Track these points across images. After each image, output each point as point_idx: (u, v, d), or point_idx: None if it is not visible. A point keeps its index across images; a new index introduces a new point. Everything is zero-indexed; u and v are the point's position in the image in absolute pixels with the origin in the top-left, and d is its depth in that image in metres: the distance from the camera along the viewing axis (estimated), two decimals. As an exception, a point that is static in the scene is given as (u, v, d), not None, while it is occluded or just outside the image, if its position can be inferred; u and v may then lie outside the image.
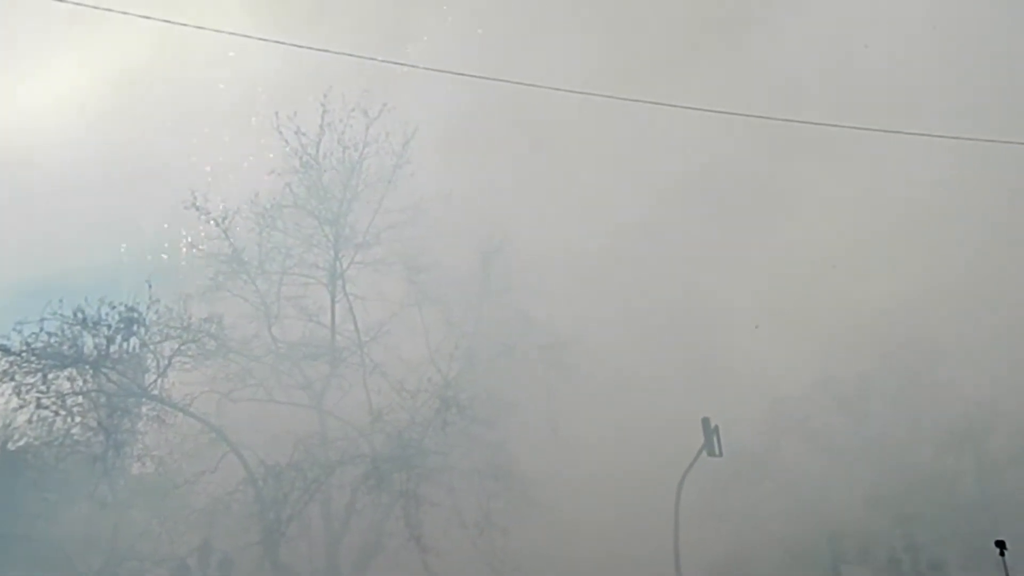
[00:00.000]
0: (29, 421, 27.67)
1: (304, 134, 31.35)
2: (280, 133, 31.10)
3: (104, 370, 28.42)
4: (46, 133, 33.30)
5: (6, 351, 27.24)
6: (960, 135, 24.32)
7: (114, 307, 28.68)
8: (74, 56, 34.94)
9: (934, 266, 34.68)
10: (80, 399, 28.25)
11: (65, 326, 28.02)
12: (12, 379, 27.10)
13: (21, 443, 28.25)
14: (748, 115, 22.42)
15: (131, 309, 28.91)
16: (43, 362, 27.57)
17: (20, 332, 27.38)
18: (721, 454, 26.51)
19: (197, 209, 29.82)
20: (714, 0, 40.34)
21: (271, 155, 31.23)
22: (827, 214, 38.20)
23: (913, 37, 39.43)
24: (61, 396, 27.78)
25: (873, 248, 37.23)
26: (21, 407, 27.29)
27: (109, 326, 28.64)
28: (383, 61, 19.95)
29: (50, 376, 27.62)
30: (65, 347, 28.01)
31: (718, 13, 39.96)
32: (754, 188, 38.67)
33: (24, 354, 27.38)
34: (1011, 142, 23.27)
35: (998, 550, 12.72)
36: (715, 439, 26.25)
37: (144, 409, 29.13)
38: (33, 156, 32.74)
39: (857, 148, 33.93)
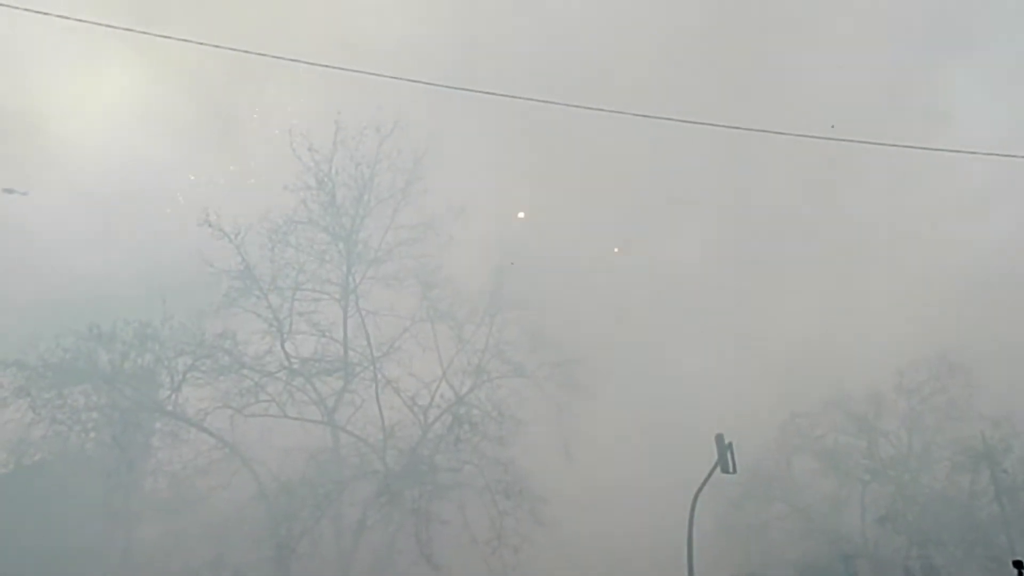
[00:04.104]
0: (44, 436, 27.87)
1: (317, 151, 31.62)
2: (293, 150, 31.34)
3: (118, 385, 28.65)
4: (60, 148, 33.62)
5: (22, 366, 27.49)
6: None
7: (129, 323, 28.93)
8: (88, 73, 35.34)
9: (948, 283, 34.53)
10: (94, 414, 28.49)
11: (80, 342, 28.33)
12: (28, 394, 27.35)
13: (36, 458, 28.41)
14: (753, 129, 22.33)
15: (145, 325, 29.13)
16: (58, 377, 27.85)
17: (36, 348, 27.67)
18: (735, 471, 26.08)
19: (210, 226, 30.02)
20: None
21: (284, 172, 31.40)
22: (839, 230, 38.22)
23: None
24: (76, 411, 28.04)
25: (887, 265, 37.16)
26: (36, 422, 27.51)
27: (124, 342, 28.89)
28: (395, 78, 20.03)
29: (65, 391, 27.89)
30: (80, 362, 28.28)
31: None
32: (769, 203, 38.71)
33: (40, 369, 27.64)
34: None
35: (1016, 571, 12.55)
36: (729, 456, 25.89)
37: (158, 424, 29.31)
38: (48, 173, 33.07)
39: (872, 163, 34.04)
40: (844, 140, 22.92)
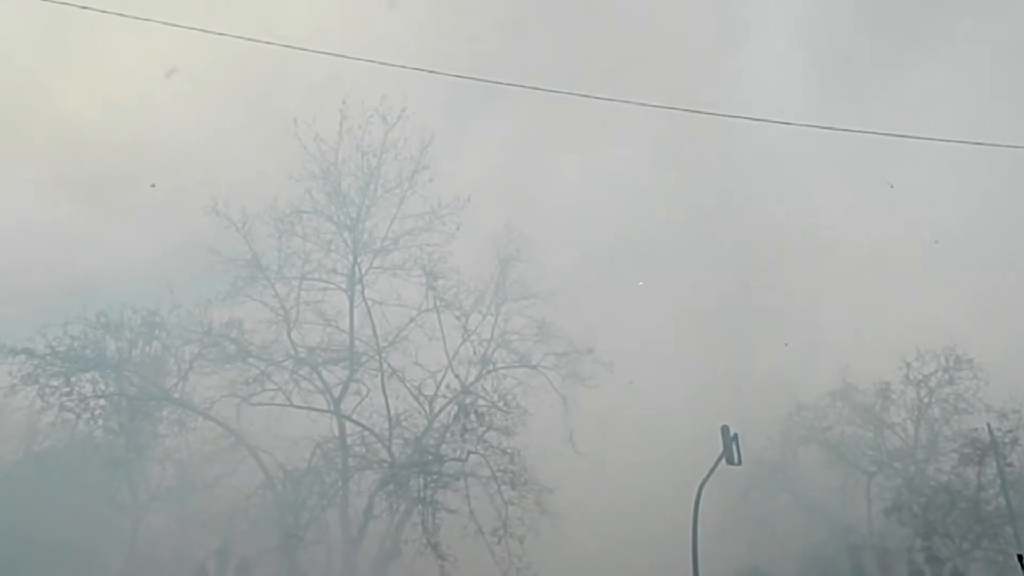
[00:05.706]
0: (53, 424, 28.06)
1: (323, 140, 31.56)
2: (299, 139, 31.26)
3: (126, 373, 28.82)
4: (65, 139, 33.71)
5: (31, 354, 27.62)
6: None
7: (136, 311, 29.08)
8: (95, 61, 35.40)
9: (958, 274, 34.39)
10: (102, 402, 28.64)
11: (88, 330, 28.50)
12: (36, 382, 27.53)
13: (45, 445, 28.62)
14: (755, 119, 22.20)
15: (153, 313, 29.26)
16: (67, 365, 27.98)
17: (45, 336, 27.80)
18: (740, 462, 26.07)
19: (218, 214, 30.03)
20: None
21: (291, 161, 31.33)
22: (847, 222, 38.08)
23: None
24: (84, 399, 28.19)
25: (895, 257, 37.02)
26: (45, 409, 27.71)
27: (131, 330, 29.06)
28: (402, 67, 19.95)
29: (73, 379, 28.04)
30: (88, 350, 28.41)
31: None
32: (769, 192, 38.64)
33: (48, 357, 27.78)
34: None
35: (1020, 565, 12.49)
36: (734, 447, 25.86)
37: (165, 412, 29.44)
38: (55, 161, 33.19)
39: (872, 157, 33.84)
40: (850, 132, 22.77)
